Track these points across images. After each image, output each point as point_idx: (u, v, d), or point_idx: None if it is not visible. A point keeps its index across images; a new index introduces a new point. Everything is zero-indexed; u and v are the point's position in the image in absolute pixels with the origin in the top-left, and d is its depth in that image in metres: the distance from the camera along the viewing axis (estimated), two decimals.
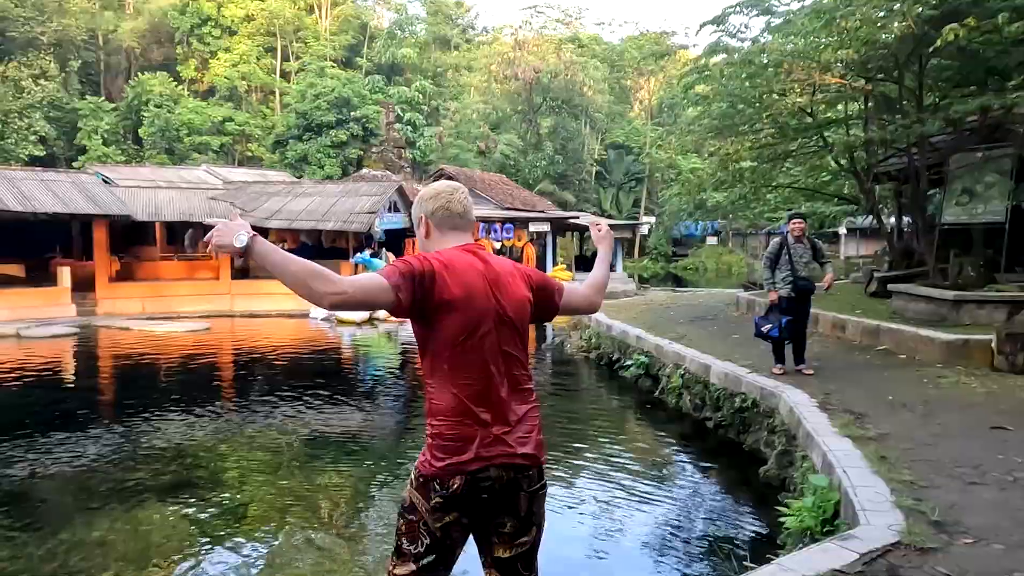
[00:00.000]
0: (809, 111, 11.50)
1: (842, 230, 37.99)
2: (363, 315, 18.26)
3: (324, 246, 21.81)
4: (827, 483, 4.34)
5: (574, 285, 2.69)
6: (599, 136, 48.83)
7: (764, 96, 10.97)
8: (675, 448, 7.68)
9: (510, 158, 41.84)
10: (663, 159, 43.76)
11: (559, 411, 9.37)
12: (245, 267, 22.88)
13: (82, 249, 21.91)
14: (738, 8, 11.54)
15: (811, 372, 7.38)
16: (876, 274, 12.51)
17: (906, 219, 13.82)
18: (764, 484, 5.98)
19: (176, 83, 42.28)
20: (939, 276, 9.84)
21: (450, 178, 29.36)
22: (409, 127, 40.28)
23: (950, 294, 8.76)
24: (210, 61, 44.35)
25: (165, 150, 38.38)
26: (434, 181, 26.81)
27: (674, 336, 10.30)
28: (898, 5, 8.78)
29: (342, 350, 15.44)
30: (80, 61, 41.36)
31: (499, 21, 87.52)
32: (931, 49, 8.66)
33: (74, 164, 34.39)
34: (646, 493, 6.01)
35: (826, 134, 12.21)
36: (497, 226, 25.82)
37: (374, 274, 2.17)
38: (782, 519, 4.53)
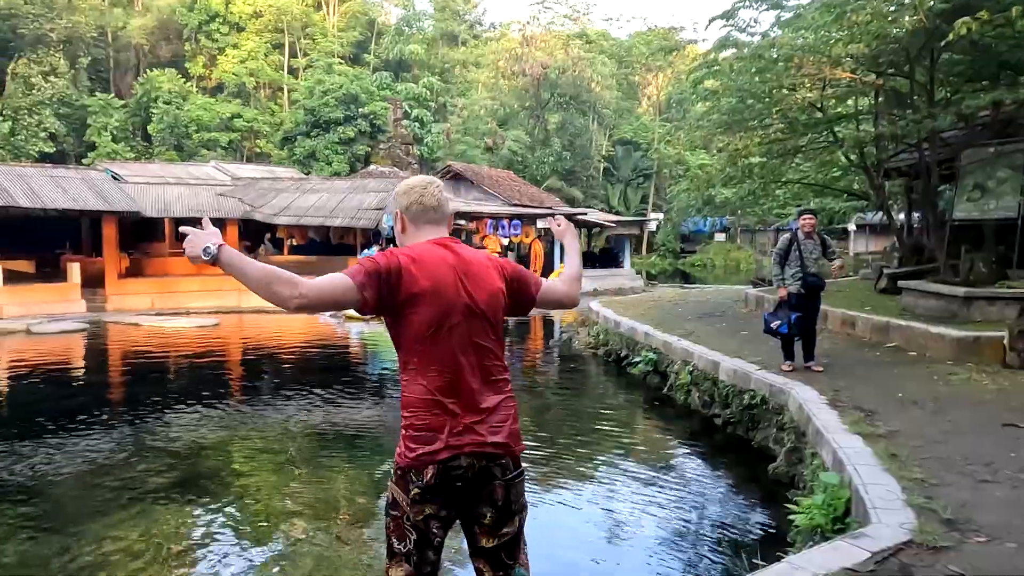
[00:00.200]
0: (819, 106, 11.42)
1: (851, 226, 37.77)
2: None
3: (332, 242, 21.84)
4: (837, 481, 4.31)
5: (553, 280, 2.70)
6: (607, 132, 48.71)
7: (774, 91, 10.90)
8: (683, 445, 7.65)
9: (518, 154, 41.80)
10: (671, 155, 43.65)
11: (567, 408, 9.36)
12: None
13: (92, 245, 22.03)
14: (748, 3, 11.47)
15: (820, 369, 7.34)
16: (886, 270, 12.43)
17: (916, 215, 13.73)
18: (773, 481, 5.95)
19: (185, 80, 42.45)
20: (950, 272, 9.76)
21: (457, 174, 29.41)
22: (417, 123, 40.28)
23: (961, 290, 8.69)
24: (218, 58, 44.46)
25: (174, 147, 38.53)
26: (442, 178, 26.83)
27: (682, 333, 10.26)
28: None
29: (350, 346, 15.47)
30: (89, 58, 41.56)
31: (507, 17, 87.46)
32: (943, 43, 8.59)
33: (84, 161, 34.54)
34: (654, 489, 5.99)
35: (836, 129, 12.13)
36: (505, 222, 25.75)
37: (338, 274, 2.19)
38: (792, 516, 4.51)
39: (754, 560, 4.26)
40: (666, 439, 7.95)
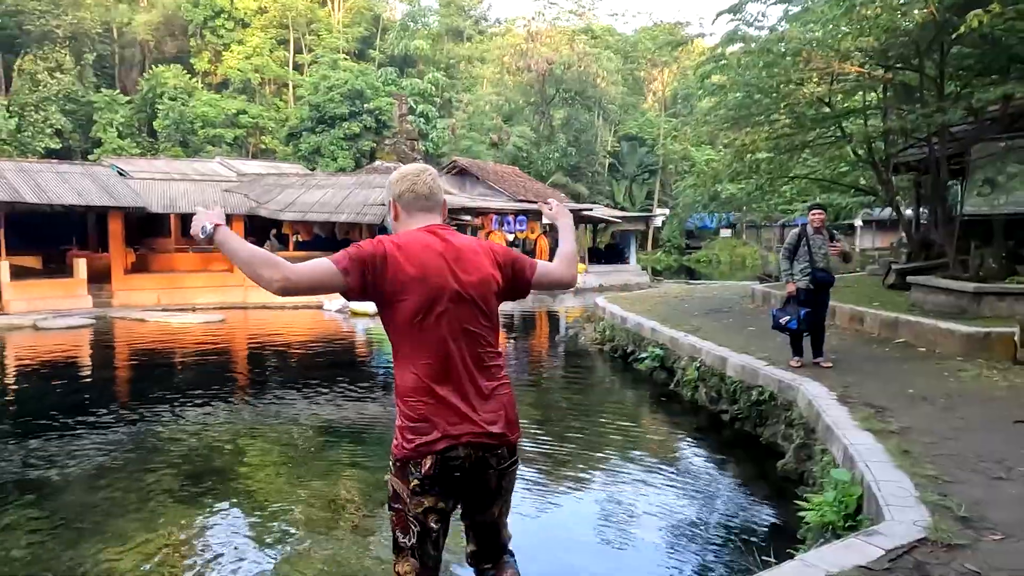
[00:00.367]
0: (827, 101, 11.35)
1: (858, 222, 37.62)
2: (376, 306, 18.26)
3: (338, 238, 21.81)
4: (849, 477, 4.27)
5: (548, 262, 2.70)
6: (612, 128, 48.59)
7: (781, 86, 10.83)
8: (690, 441, 7.61)
9: (523, 150, 41.73)
10: (677, 151, 43.53)
11: (572, 403, 9.33)
12: None
13: (98, 241, 22.06)
14: None
15: (829, 365, 7.29)
16: (894, 266, 12.36)
17: (924, 210, 13.64)
18: (782, 477, 5.91)
19: (190, 76, 42.44)
20: (959, 268, 9.71)
21: (463, 169, 29.36)
22: (422, 119, 40.22)
23: (971, 286, 8.63)
24: (223, 54, 44.45)
25: (179, 142, 38.56)
26: (448, 173, 26.74)
27: (689, 328, 10.22)
28: None
29: (356, 341, 15.46)
30: (95, 54, 41.58)
31: (512, 12, 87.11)
32: (953, 36, 8.50)
33: (89, 157, 34.60)
34: (661, 485, 5.95)
35: (844, 124, 12.05)
36: (510, 218, 25.73)
37: (323, 259, 2.21)
38: (801, 513, 4.47)
39: (764, 557, 4.23)
40: (673, 435, 7.91)
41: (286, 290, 2.13)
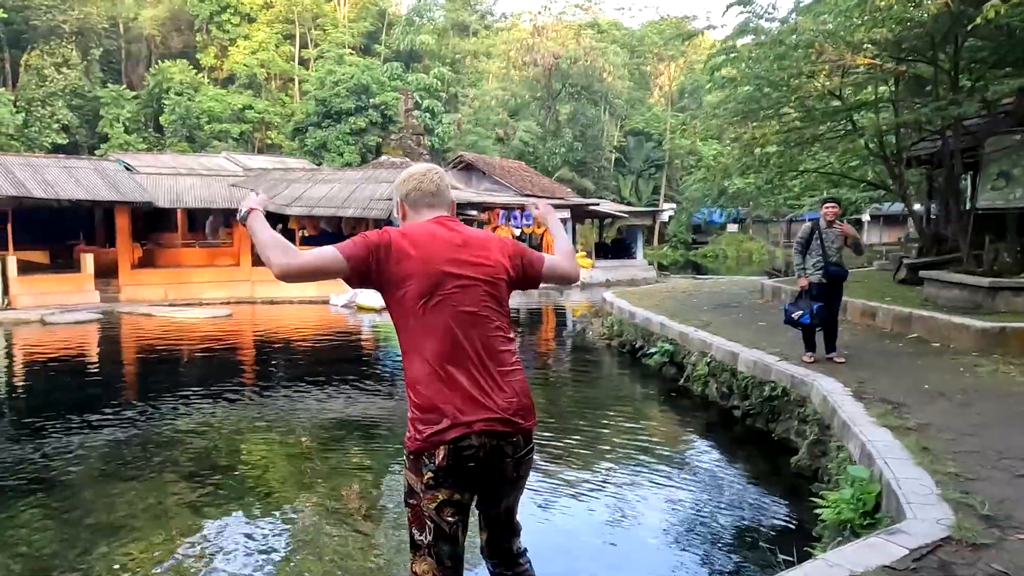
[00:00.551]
0: (838, 94, 11.23)
1: (865, 217, 37.41)
2: (382, 301, 18.23)
3: (344, 233, 21.77)
4: (867, 475, 4.19)
5: (554, 257, 2.71)
6: (618, 123, 48.42)
7: (792, 79, 10.71)
8: (701, 437, 7.54)
9: (529, 145, 41.62)
10: (684, 146, 43.31)
11: (580, 398, 9.27)
12: None
13: (105, 236, 22.09)
14: None
15: (842, 360, 7.20)
16: (905, 261, 12.24)
17: (934, 205, 13.51)
18: (795, 474, 5.83)
19: (196, 71, 42.43)
20: (973, 262, 9.59)
21: (469, 164, 29.29)
22: (428, 114, 40.12)
23: (985, 281, 8.52)
24: (229, 49, 44.41)
25: (186, 138, 38.56)
26: (454, 168, 26.65)
27: (699, 323, 10.13)
28: None
29: (362, 336, 15.43)
30: (101, 49, 41.59)
31: (518, 7, 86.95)
32: (969, 27, 8.38)
33: (96, 152, 34.63)
34: (672, 482, 5.88)
35: (855, 117, 11.93)
36: (517, 213, 25.63)
37: (329, 247, 2.23)
38: (818, 511, 4.40)
39: (780, 556, 4.16)
40: (684, 431, 7.84)
41: (286, 273, 2.17)
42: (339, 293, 19.37)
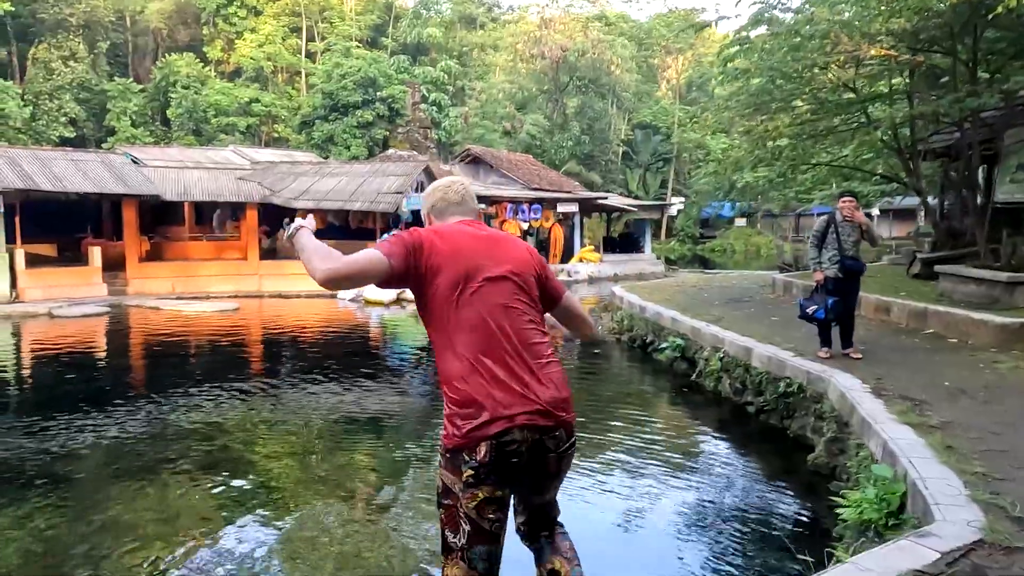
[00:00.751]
0: (851, 86, 11.06)
1: (874, 211, 37.09)
2: (391, 295, 18.19)
3: (351, 227, 21.72)
4: (891, 474, 4.09)
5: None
6: (626, 116, 48.16)
7: (805, 71, 10.56)
8: (714, 433, 7.43)
9: (536, 138, 41.43)
10: (692, 139, 43.06)
11: (590, 394, 9.17)
12: (273, 248, 22.95)
13: (112, 229, 22.09)
14: None
15: (859, 356, 7.09)
16: (919, 255, 12.09)
17: (947, 199, 13.33)
18: (812, 471, 5.74)
19: (203, 64, 42.36)
20: (990, 257, 9.44)
21: (476, 158, 29.18)
22: (435, 107, 39.97)
23: (1003, 275, 8.38)
24: (236, 42, 44.33)
25: (192, 131, 38.54)
26: (461, 161, 26.60)
27: (710, 318, 10.01)
28: None
29: (370, 330, 15.37)
30: (108, 42, 41.55)
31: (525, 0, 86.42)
32: (989, 17, 8.22)
33: (103, 145, 34.63)
34: (685, 479, 5.78)
35: (869, 110, 11.76)
36: (525, 207, 25.52)
37: (368, 249, 2.24)
38: (838, 510, 4.30)
39: (801, 555, 4.06)
40: (696, 426, 7.74)
41: (330, 278, 2.15)
42: None
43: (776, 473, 6.09)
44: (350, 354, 12.06)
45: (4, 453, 6.39)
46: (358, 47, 42.66)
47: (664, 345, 10.09)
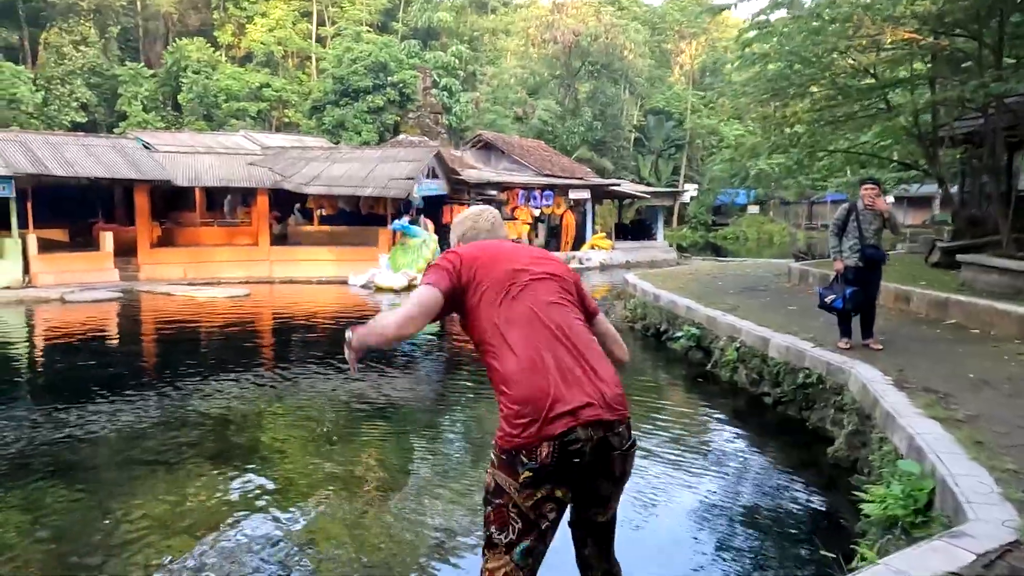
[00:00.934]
0: (871, 71, 10.83)
1: (890, 198, 36.66)
2: (403, 282, 18.13)
3: (362, 212, 21.64)
4: (918, 470, 3.98)
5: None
6: (638, 101, 47.73)
7: (825, 55, 10.34)
8: (730, 424, 7.34)
9: (548, 124, 41.13)
10: (705, 126, 42.65)
11: None
12: (284, 233, 22.91)
13: (124, 214, 22.11)
14: None
15: (879, 347, 6.95)
16: (939, 244, 11.89)
17: (967, 186, 13.09)
18: (832, 465, 5.63)
19: (214, 49, 42.21)
20: (1013, 246, 9.26)
21: (488, 143, 28.99)
22: (445, 92, 39.71)
23: None
24: (246, 26, 44.12)
25: (203, 116, 38.46)
26: (472, 147, 26.37)
27: (726, 307, 9.89)
28: None
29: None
30: (119, 27, 41.46)
31: None
32: (1019, 0, 7.99)
33: (115, 130, 34.63)
34: (701, 471, 5.68)
35: (889, 96, 11.53)
36: (536, 193, 25.34)
37: (422, 290, 2.28)
38: (861, 505, 4.20)
39: (824, 551, 3.97)
40: (712, 417, 7.64)
41: (407, 333, 2.25)
42: (357, 273, 19.28)
43: (794, 465, 5.99)
44: None
45: (17, 439, 6.38)
46: (369, 32, 42.37)
47: (679, 334, 9.97)
